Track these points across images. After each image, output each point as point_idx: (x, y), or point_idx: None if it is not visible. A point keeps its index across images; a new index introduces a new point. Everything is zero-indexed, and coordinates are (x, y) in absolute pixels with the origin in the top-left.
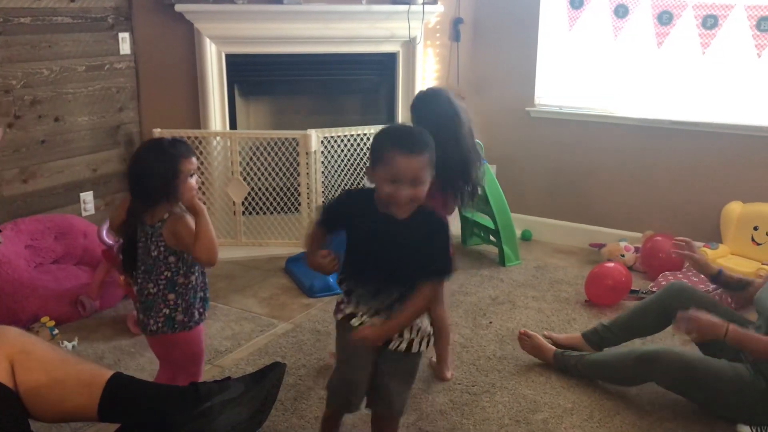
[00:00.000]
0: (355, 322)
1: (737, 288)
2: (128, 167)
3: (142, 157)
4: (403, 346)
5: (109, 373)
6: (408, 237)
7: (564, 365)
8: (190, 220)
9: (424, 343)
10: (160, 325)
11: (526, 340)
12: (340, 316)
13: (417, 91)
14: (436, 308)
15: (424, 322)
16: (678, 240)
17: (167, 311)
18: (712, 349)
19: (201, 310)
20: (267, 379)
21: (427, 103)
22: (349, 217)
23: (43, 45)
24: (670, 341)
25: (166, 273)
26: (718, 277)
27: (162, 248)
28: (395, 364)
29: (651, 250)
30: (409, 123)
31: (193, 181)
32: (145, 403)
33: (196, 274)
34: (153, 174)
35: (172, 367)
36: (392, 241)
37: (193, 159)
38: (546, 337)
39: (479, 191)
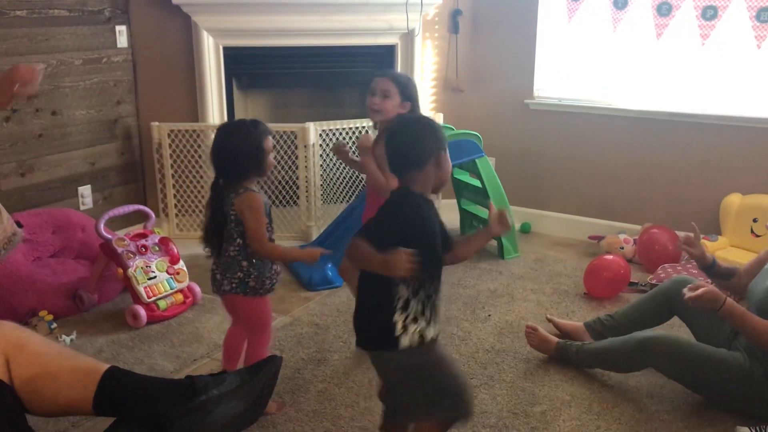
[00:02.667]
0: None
1: (727, 277)
2: (213, 148)
3: (227, 138)
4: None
5: (105, 366)
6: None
7: (566, 353)
8: (262, 203)
9: None
10: (234, 285)
11: (533, 335)
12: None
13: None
14: None
15: None
16: (683, 238)
17: (241, 275)
18: (710, 339)
19: (274, 280)
20: (263, 373)
21: None
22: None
23: (40, 38)
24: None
25: (238, 240)
26: (711, 268)
27: (233, 217)
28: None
29: (647, 242)
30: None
31: (271, 157)
32: (140, 396)
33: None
34: (242, 153)
35: (238, 327)
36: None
37: (270, 137)
38: (548, 320)
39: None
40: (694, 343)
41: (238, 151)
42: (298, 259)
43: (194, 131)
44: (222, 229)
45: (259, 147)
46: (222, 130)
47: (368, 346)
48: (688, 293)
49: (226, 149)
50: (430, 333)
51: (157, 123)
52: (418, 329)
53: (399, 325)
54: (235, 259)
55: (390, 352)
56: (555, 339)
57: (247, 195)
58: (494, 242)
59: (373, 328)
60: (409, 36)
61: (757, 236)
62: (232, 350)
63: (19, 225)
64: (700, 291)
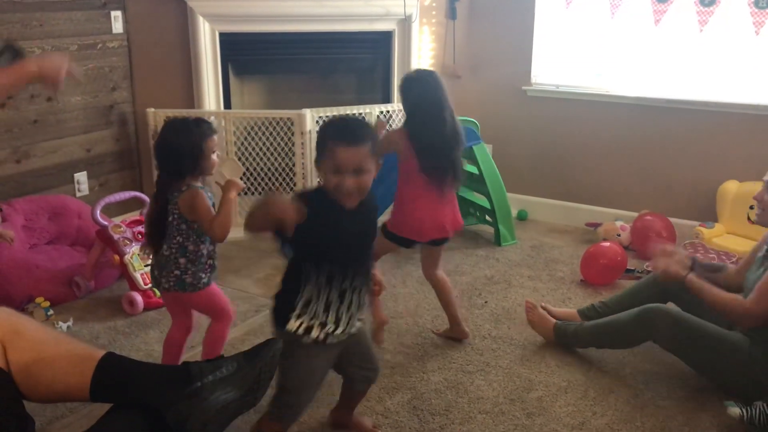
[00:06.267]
0: (336, 333)
1: (712, 271)
2: (155, 144)
3: (169, 135)
4: (360, 324)
5: (101, 352)
6: (367, 214)
7: (564, 334)
8: (206, 197)
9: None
10: (171, 284)
11: (533, 311)
12: (304, 336)
13: (408, 71)
14: (435, 273)
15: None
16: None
17: (178, 273)
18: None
19: (209, 273)
20: (260, 358)
21: (412, 86)
22: (318, 221)
23: (35, 23)
24: None
25: (178, 238)
26: (693, 267)
27: (176, 215)
28: (361, 339)
29: (641, 229)
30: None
31: (215, 157)
32: (137, 383)
33: (206, 243)
34: (180, 151)
35: (184, 322)
36: (359, 226)
37: (215, 137)
38: (543, 308)
39: (461, 175)
40: (693, 316)
41: (177, 149)
42: (230, 209)
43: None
44: (163, 225)
45: (198, 146)
46: (166, 126)
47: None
48: (655, 270)
49: (166, 146)
50: (317, 331)
51: (152, 109)
52: (309, 322)
53: (295, 311)
54: (171, 257)
55: (278, 330)
56: (552, 320)
57: (189, 192)
58: (491, 229)
59: (276, 303)
60: (406, 22)
61: (754, 223)
62: (171, 354)
63: None
64: (660, 271)
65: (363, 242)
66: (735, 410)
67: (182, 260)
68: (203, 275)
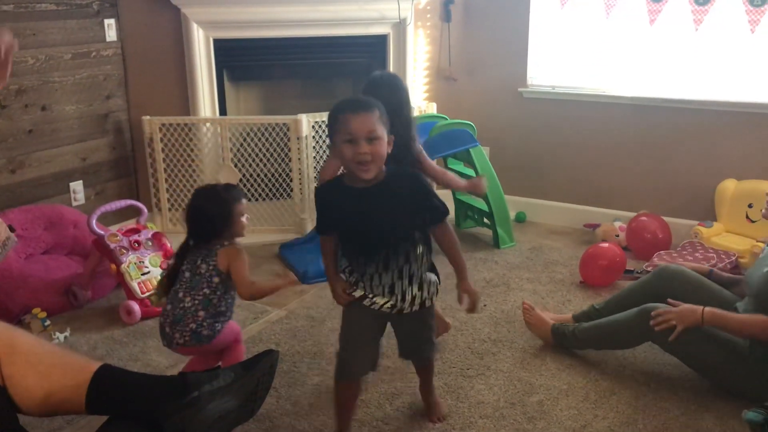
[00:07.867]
0: (377, 301)
1: (727, 286)
2: (186, 210)
3: (199, 202)
4: (416, 307)
5: (97, 364)
6: (391, 195)
7: (562, 334)
8: (245, 256)
9: (434, 295)
10: (187, 338)
11: (530, 312)
12: (356, 294)
13: (371, 74)
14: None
15: (431, 276)
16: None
17: (194, 326)
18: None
19: (223, 322)
20: (258, 368)
21: (380, 89)
22: (336, 210)
23: (28, 33)
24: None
25: (205, 290)
26: (709, 278)
27: (212, 267)
28: (414, 323)
29: (636, 230)
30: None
31: (245, 219)
32: (133, 394)
33: (229, 299)
34: (211, 217)
35: (205, 358)
36: (380, 207)
37: (244, 201)
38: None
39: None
40: None
41: (208, 215)
42: (276, 290)
43: (186, 125)
44: (174, 282)
45: (228, 211)
46: (195, 193)
47: None
48: (660, 327)
49: (197, 212)
50: (362, 295)
51: (148, 117)
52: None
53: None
54: (192, 309)
55: None
56: (550, 321)
57: (232, 248)
58: (489, 232)
59: None
60: (401, 25)
61: (753, 222)
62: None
63: (12, 229)
64: (675, 317)
65: (386, 220)
66: (751, 414)
67: (201, 313)
68: (218, 324)
